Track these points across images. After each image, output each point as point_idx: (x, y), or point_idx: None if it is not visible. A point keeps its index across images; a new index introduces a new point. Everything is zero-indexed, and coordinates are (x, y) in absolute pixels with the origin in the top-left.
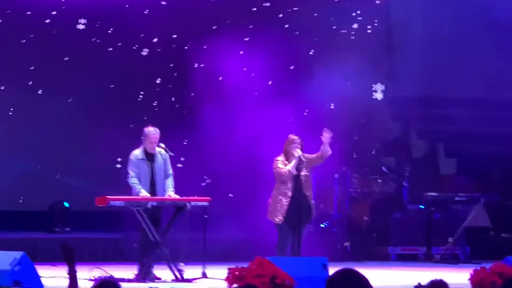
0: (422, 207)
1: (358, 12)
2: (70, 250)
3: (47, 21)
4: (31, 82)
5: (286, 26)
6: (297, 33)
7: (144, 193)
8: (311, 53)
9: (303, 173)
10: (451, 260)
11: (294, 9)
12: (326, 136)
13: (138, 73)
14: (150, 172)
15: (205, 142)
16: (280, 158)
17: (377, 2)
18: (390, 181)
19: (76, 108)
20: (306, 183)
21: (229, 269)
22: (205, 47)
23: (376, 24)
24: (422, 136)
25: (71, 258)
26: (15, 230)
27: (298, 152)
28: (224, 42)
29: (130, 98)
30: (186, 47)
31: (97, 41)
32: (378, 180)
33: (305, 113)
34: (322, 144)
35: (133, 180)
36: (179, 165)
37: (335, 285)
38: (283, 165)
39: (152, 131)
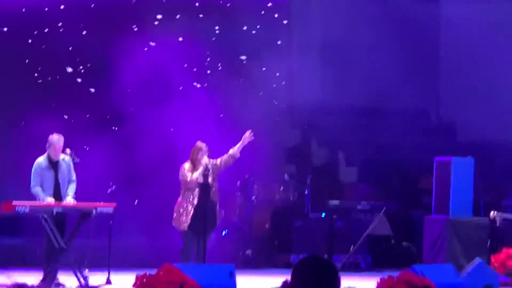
0: (324, 215)
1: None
2: None
3: None
4: None
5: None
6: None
7: (50, 200)
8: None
9: (210, 180)
10: (353, 268)
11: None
12: (247, 137)
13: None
14: (54, 179)
15: (116, 145)
16: (187, 165)
17: None
18: (291, 189)
19: None
20: (213, 190)
21: (137, 276)
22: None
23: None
24: (322, 144)
25: None
26: None
27: (205, 160)
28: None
29: (34, 98)
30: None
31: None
32: (280, 188)
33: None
34: (239, 144)
35: (36, 189)
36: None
37: (303, 274)
38: (190, 173)
39: (56, 139)
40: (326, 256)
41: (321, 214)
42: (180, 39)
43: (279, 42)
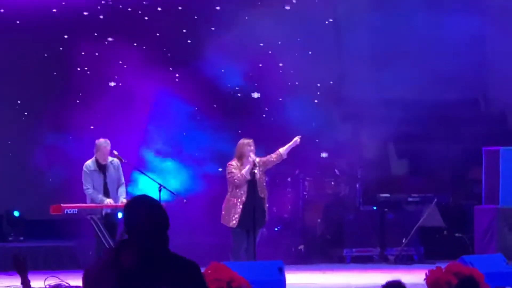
0: (375, 208)
1: None
2: (23, 260)
3: None
4: None
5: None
6: None
7: (109, 201)
8: None
9: (257, 176)
10: (406, 260)
11: None
12: (297, 141)
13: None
14: (103, 182)
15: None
16: (234, 162)
17: None
18: (342, 183)
19: (22, 114)
20: (261, 187)
21: None
22: None
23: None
24: (373, 137)
25: (23, 268)
26: None
27: (252, 157)
28: None
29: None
30: None
31: None
32: (331, 183)
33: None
34: (288, 146)
35: (90, 191)
36: None
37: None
38: (237, 170)
39: (103, 143)
40: (379, 249)
41: (373, 207)
42: None
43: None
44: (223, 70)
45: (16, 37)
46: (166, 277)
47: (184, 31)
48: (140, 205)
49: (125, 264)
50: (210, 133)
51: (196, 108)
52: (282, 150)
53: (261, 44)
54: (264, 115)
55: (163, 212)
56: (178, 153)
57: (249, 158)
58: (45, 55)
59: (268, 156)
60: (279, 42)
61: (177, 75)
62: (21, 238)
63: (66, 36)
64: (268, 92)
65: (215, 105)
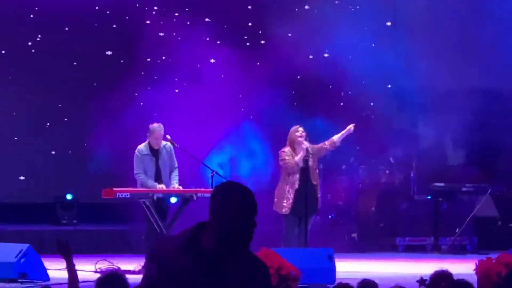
0: (430, 197)
1: None
2: (65, 244)
3: None
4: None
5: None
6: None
7: (161, 186)
8: None
9: (310, 163)
10: (459, 250)
11: None
12: (351, 130)
13: None
14: (155, 165)
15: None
16: (287, 149)
17: None
18: (397, 172)
19: (76, 98)
20: (313, 174)
21: None
22: None
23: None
24: (430, 127)
25: (67, 252)
26: (22, 222)
27: (305, 144)
28: None
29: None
30: None
31: None
32: (386, 171)
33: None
34: (341, 133)
35: (141, 176)
36: None
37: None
38: (290, 157)
39: (156, 127)
40: (432, 238)
41: (427, 197)
42: None
43: (389, 23)
44: (298, 54)
45: (77, 18)
46: (241, 267)
47: (250, 7)
48: (232, 190)
49: (206, 246)
50: (275, 117)
51: (265, 93)
52: (336, 137)
53: (331, 31)
54: (334, 103)
55: (253, 198)
56: (238, 139)
57: (302, 145)
58: (106, 36)
59: (322, 144)
60: (348, 30)
61: (248, 56)
62: (74, 222)
63: (129, 15)
64: (338, 80)
65: (287, 91)
